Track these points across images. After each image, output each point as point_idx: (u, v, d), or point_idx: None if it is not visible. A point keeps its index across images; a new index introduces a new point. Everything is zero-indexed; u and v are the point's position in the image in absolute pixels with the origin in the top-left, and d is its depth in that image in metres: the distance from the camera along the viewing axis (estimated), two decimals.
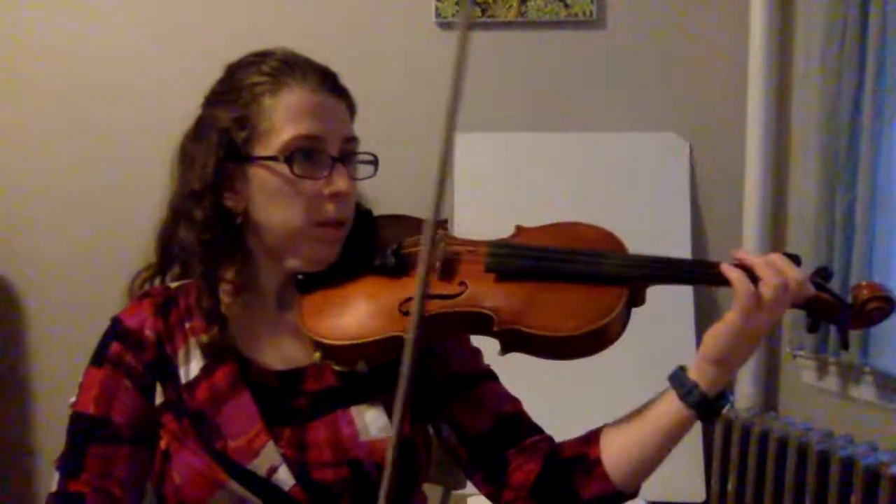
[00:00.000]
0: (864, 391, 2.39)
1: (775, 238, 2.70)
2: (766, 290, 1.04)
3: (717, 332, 1.06)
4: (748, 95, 2.66)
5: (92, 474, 1.09)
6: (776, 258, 1.07)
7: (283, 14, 2.68)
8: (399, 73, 2.71)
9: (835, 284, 2.41)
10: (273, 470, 1.09)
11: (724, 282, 1.06)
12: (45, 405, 2.74)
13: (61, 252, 2.70)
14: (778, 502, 2.39)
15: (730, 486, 2.53)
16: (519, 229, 1.21)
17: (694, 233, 2.69)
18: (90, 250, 2.69)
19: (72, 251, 2.70)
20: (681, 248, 2.64)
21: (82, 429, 1.12)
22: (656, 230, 2.64)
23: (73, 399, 1.15)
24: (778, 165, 2.69)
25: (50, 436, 2.72)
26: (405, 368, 0.86)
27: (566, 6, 2.69)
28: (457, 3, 2.67)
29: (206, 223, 1.11)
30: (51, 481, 1.11)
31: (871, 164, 2.28)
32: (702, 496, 2.56)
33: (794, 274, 1.05)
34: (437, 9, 2.68)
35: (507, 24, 2.69)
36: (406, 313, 1.09)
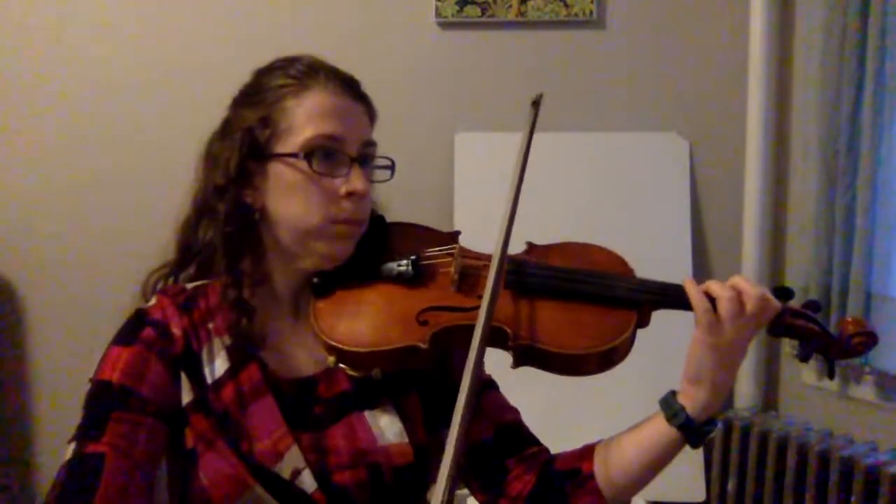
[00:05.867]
0: (864, 391, 2.39)
1: (775, 238, 2.71)
2: (721, 304, 1.08)
3: (690, 351, 1.11)
4: (748, 95, 2.67)
5: (114, 436, 1.05)
6: (735, 278, 1.12)
7: (283, 15, 2.67)
8: (399, 73, 2.71)
9: (835, 285, 2.41)
10: (297, 473, 1.09)
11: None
12: (45, 405, 2.74)
13: (61, 252, 2.70)
14: (778, 502, 2.39)
15: (730, 486, 2.53)
16: (530, 246, 1.23)
17: (694, 233, 2.69)
18: (90, 251, 2.69)
19: (72, 251, 2.70)
20: (681, 249, 2.64)
21: (106, 396, 1.08)
22: (656, 230, 2.65)
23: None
24: (778, 165, 2.69)
25: (50, 436, 2.73)
26: (462, 399, 0.93)
27: (566, 6, 2.70)
28: (457, 3, 2.68)
29: (228, 216, 1.14)
30: (64, 454, 1.06)
31: (871, 164, 2.29)
32: (702, 496, 2.56)
33: (749, 289, 1.09)
34: (437, 9, 2.69)
35: (507, 24, 2.69)
36: (424, 323, 1.10)
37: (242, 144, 1.13)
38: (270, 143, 1.13)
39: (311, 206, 1.12)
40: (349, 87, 1.16)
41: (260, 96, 1.15)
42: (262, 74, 1.18)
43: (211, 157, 1.18)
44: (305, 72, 1.14)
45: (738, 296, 1.09)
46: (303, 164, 1.11)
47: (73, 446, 1.06)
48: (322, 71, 1.15)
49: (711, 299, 1.09)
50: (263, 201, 1.14)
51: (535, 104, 1.27)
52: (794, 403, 2.64)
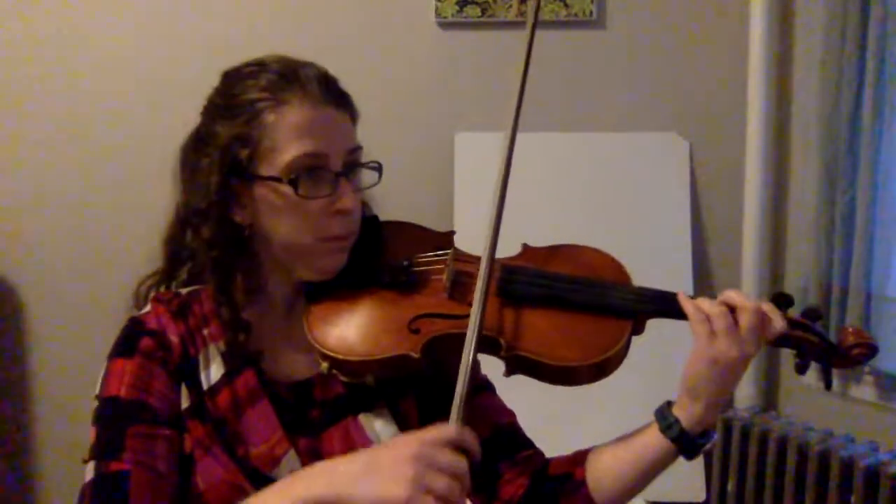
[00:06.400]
0: (865, 391, 2.39)
1: (775, 238, 2.71)
2: (713, 321, 1.08)
3: (689, 363, 1.10)
4: (748, 95, 2.66)
5: (134, 452, 1.04)
6: (727, 292, 1.12)
7: (282, 15, 2.67)
8: (399, 73, 2.71)
9: (835, 285, 2.40)
10: None
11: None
12: (45, 406, 2.73)
13: (62, 253, 2.69)
14: (778, 502, 2.39)
15: (730, 486, 2.53)
16: (525, 248, 1.22)
17: (694, 233, 2.69)
18: (90, 251, 2.69)
19: (72, 252, 2.69)
20: (681, 249, 2.64)
21: (117, 412, 1.06)
22: (656, 230, 2.65)
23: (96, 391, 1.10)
24: (778, 165, 2.69)
25: (50, 436, 2.72)
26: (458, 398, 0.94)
27: (566, 6, 2.69)
28: (457, 3, 2.68)
29: (213, 240, 1.11)
30: (84, 473, 1.05)
31: (871, 164, 2.29)
32: (702, 496, 2.56)
33: (743, 302, 1.09)
34: (437, 9, 2.68)
35: (507, 24, 2.69)
36: (415, 331, 1.09)
37: (222, 164, 1.09)
38: (252, 164, 1.08)
39: (301, 228, 1.09)
40: (327, 90, 1.11)
41: (234, 110, 1.10)
42: (233, 82, 1.13)
43: (187, 168, 1.15)
44: (279, 83, 1.09)
45: (731, 312, 1.08)
46: (287, 188, 1.07)
47: (92, 466, 1.05)
48: (297, 80, 1.09)
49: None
50: (252, 218, 1.11)
51: None
52: (794, 403, 2.64)
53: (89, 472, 1.05)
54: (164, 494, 1.04)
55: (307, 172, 1.08)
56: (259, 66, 1.12)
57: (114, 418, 1.07)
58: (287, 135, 1.07)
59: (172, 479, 1.06)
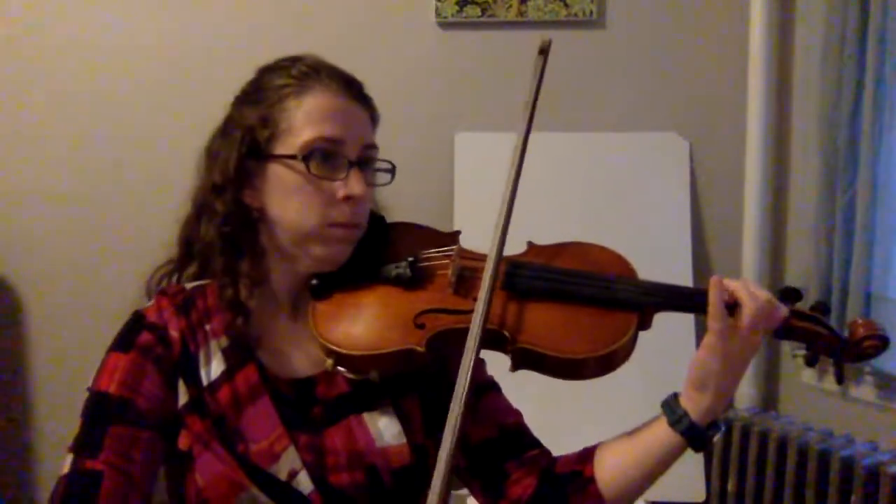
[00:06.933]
0: (864, 391, 2.39)
1: (775, 238, 2.71)
2: (744, 309, 1.06)
3: (698, 356, 1.10)
4: (748, 95, 2.66)
5: (111, 453, 1.06)
6: (746, 281, 1.11)
7: (283, 15, 2.67)
8: (399, 73, 2.71)
9: (835, 285, 2.40)
10: (293, 474, 1.09)
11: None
12: (44, 405, 2.73)
13: (62, 253, 2.69)
14: (778, 502, 2.39)
15: (730, 486, 2.53)
16: (530, 246, 1.22)
17: (694, 233, 2.69)
18: (91, 251, 2.68)
19: (72, 252, 2.69)
20: (681, 249, 2.64)
21: (103, 409, 1.09)
22: (656, 230, 2.65)
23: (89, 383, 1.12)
24: (778, 165, 2.69)
25: (50, 435, 2.73)
26: (458, 396, 0.94)
27: (566, 6, 2.69)
28: (457, 3, 2.68)
29: (226, 216, 1.13)
30: (63, 464, 1.07)
31: (871, 164, 2.29)
32: (702, 496, 2.56)
33: (762, 293, 1.08)
34: (437, 9, 2.68)
35: (507, 24, 2.69)
36: (421, 326, 1.10)
37: (242, 144, 1.13)
38: (270, 144, 1.12)
39: (309, 209, 1.11)
40: (351, 88, 1.15)
41: (261, 95, 1.15)
42: (265, 73, 1.18)
43: (211, 155, 1.18)
44: (307, 72, 1.14)
45: (757, 297, 1.07)
46: (301, 167, 1.10)
47: (70, 459, 1.06)
48: (324, 71, 1.14)
49: (728, 304, 1.08)
50: (262, 202, 1.14)
51: (544, 52, 1.26)
52: (794, 403, 2.64)
53: (66, 463, 1.06)
54: (134, 499, 1.06)
55: (321, 155, 1.11)
56: (292, 60, 1.17)
57: (98, 414, 1.08)
58: (306, 118, 1.11)
59: (145, 484, 1.07)
